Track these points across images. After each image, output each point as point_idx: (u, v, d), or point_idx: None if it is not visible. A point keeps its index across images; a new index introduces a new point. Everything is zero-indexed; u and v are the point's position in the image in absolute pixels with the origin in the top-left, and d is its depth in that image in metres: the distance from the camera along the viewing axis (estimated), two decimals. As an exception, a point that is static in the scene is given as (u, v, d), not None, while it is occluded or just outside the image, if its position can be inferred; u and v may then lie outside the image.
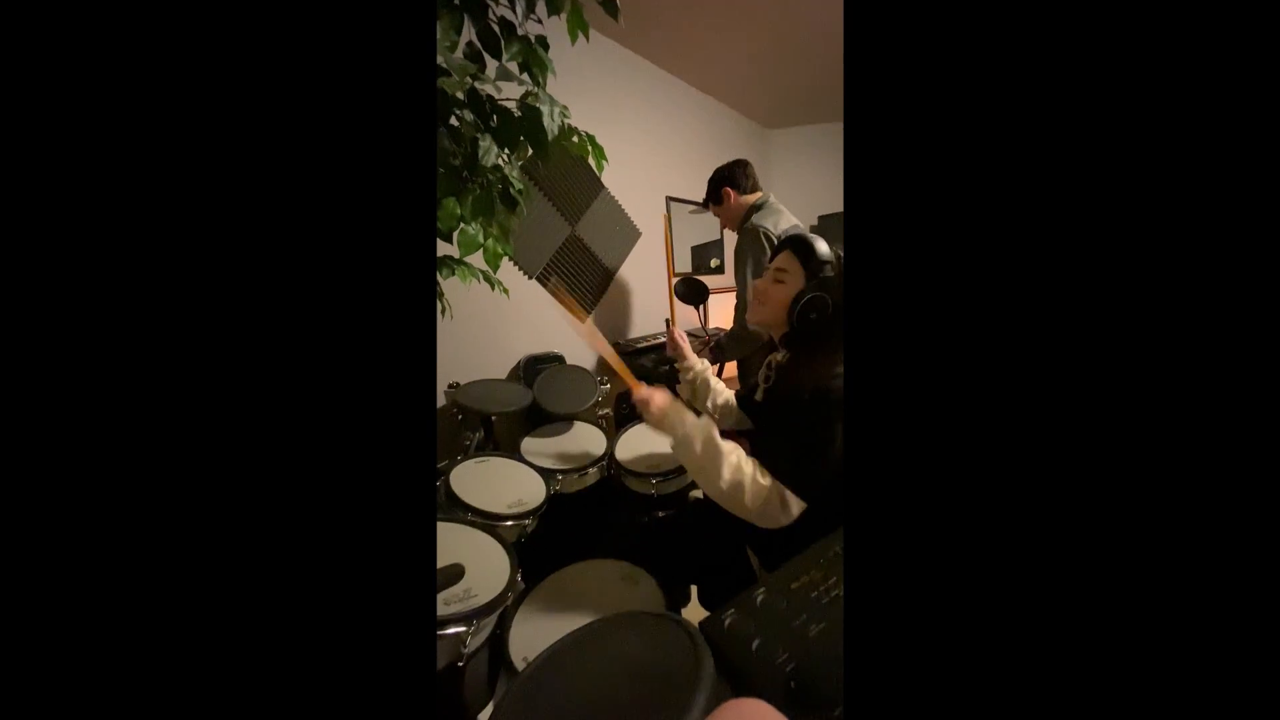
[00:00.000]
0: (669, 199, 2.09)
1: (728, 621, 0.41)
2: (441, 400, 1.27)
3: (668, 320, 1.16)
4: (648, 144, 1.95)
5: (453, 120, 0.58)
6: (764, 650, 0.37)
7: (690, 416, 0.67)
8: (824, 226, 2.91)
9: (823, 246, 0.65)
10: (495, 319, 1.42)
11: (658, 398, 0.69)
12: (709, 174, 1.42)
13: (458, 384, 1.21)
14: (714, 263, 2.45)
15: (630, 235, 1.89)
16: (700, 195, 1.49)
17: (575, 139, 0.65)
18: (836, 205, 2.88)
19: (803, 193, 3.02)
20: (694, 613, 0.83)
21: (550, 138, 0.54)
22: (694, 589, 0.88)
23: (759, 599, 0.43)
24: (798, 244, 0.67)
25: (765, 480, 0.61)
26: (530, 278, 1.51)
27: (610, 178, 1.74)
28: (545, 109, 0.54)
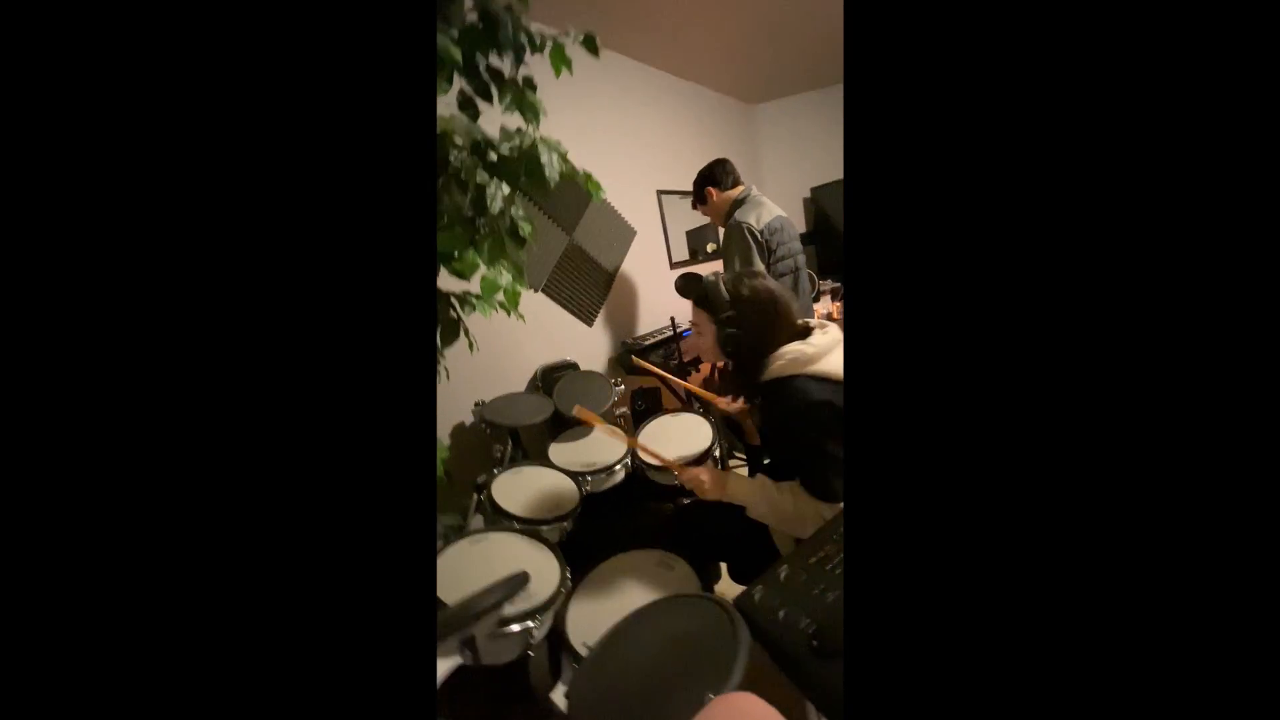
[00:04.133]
0: (659, 192, 2.11)
1: (758, 596, 0.48)
2: (470, 418, 1.35)
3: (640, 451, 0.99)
4: (633, 141, 1.96)
5: (459, 170, 0.63)
6: (789, 618, 0.43)
7: (746, 484, 0.74)
8: (818, 197, 2.89)
9: (708, 281, 0.72)
10: (509, 334, 1.49)
11: (706, 479, 0.75)
12: (697, 162, 1.46)
13: (482, 401, 1.28)
14: (710, 247, 2.47)
15: (626, 235, 1.93)
16: (687, 183, 1.53)
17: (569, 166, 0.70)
18: (828, 175, 2.85)
19: (793, 164, 2.99)
20: (725, 585, 0.91)
21: (553, 185, 0.59)
22: (724, 565, 0.96)
23: (783, 574, 0.50)
24: (689, 290, 0.76)
25: (805, 499, 0.69)
26: (535, 290, 1.57)
27: (601, 180, 1.77)
28: (544, 156, 0.59)
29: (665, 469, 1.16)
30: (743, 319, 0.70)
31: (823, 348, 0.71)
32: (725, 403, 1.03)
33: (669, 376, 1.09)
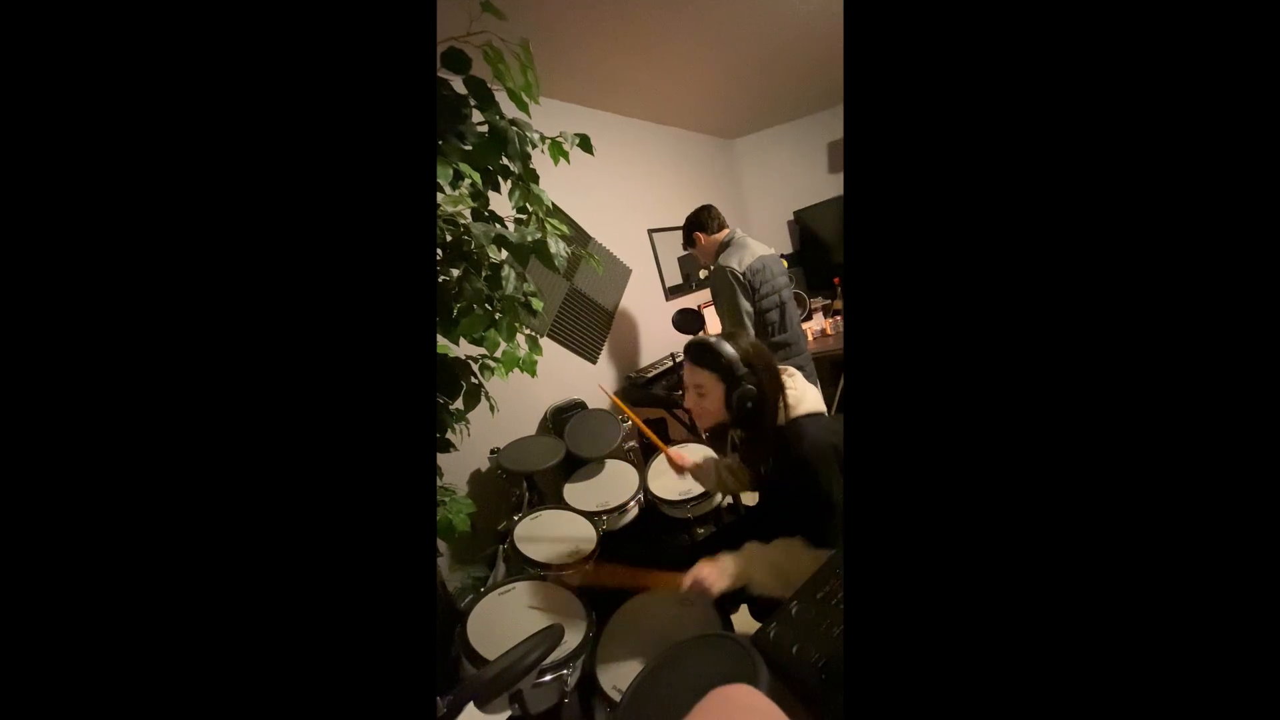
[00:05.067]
0: (650, 231, 2.23)
1: (772, 633, 0.53)
2: (486, 464, 1.40)
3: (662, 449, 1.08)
4: (624, 186, 2.09)
5: (478, 260, 0.71)
6: (801, 652, 0.48)
7: (742, 558, 0.74)
8: (800, 219, 3.03)
9: (725, 348, 0.72)
10: (518, 379, 1.56)
11: (713, 576, 0.72)
12: (684, 199, 1.56)
13: (498, 448, 1.34)
14: (702, 273, 2.57)
15: (622, 274, 2.03)
16: (676, 220, 1.64)
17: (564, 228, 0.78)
18: (808, 199, 3.00)
19: (774, 191, 3.15)
20: (742, 612, 0.94)
21: (561, 271, 0.67)
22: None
23: (794, 611, 0.55)
24: (702, 356, 0.74)
25: (799, 550, 0.72)
26: (541, 337, 1.65)
27: (595, 225, 1.89)
28: (554, 246, 0.68)
29: (679, 504, 1.21)
30: (758, 378, 0.72)
31: (802, 388, 0.78)
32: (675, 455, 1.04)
33: (633, 415, 1.15)
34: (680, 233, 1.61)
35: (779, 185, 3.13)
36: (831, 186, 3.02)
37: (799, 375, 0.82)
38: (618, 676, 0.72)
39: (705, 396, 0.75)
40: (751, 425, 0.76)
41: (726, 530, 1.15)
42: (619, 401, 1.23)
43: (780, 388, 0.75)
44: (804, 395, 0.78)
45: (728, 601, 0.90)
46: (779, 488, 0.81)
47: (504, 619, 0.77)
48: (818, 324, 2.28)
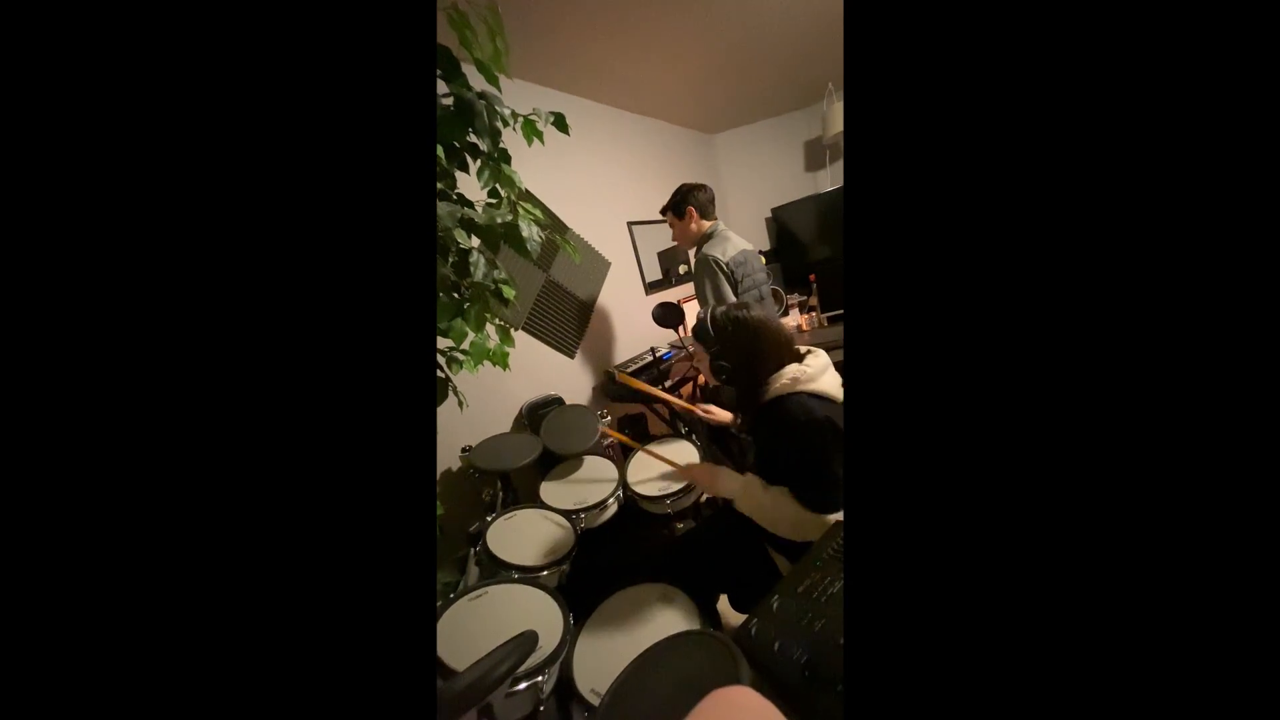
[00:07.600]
0: (630, 223, 2.19)
1: (754, 630, 0.52)
2: (457, 464, 1.34)
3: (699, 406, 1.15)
4: (602, 177, 2.05)
5: (444, 241, 0.66)
6: (783, 648, 0.47)
7: (747, 493, 0.79)
8: (778, 216, 3.06)
9: (706, 325, 0.82)
10: (491, 374, 1.49)
11: (706, 481, 0.81)
12: (664, 192, 1.53)
13: (469, 446, 1.28)
14: (682, 269, 2.56)
15: (601, 266, 1.99)
16: (656, 213, 1.60)
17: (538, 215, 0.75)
18: (786, 196, 3.03)
19: (753, 187, 3.17)
20: (723, 604, 0.94)
21: (534, 257, 0.63)
22: (724, 594, 0.99)
23: (775, 605, 0.54)
24: (696, 331, 0.86)
25: (787, 501, 0.75)
26: (516, 329, 1.59)
27: (573, 216, 1.83)
28: (525, 230, 0.64)
29: (659, 499, 1.20)
30: (726, 350, 0.79)
31: (817, 369, 0.79)
32: (702, 410, 1.12)
33: (648, 388, 1.24)
34: (660, 226, 1.58)
35: (758, 181, 3.15)
36: (808, 185, 3.06)
37: (823, 355, 0.83)
38: (596, 678, 0.69)
39: (701, 363, 0.92)
40: (737, 391, 0.83)
41: (706, 524, 1.15)
42: (629, 379, 1.29)
43: (759, 358, 0.79)
44: (816, 375, 0.79)
45: (708, 593, 0.89)
46: (772, 456, 0.81)
47: (475, 626, 0.73)
48: (793, 320, 2.32)
